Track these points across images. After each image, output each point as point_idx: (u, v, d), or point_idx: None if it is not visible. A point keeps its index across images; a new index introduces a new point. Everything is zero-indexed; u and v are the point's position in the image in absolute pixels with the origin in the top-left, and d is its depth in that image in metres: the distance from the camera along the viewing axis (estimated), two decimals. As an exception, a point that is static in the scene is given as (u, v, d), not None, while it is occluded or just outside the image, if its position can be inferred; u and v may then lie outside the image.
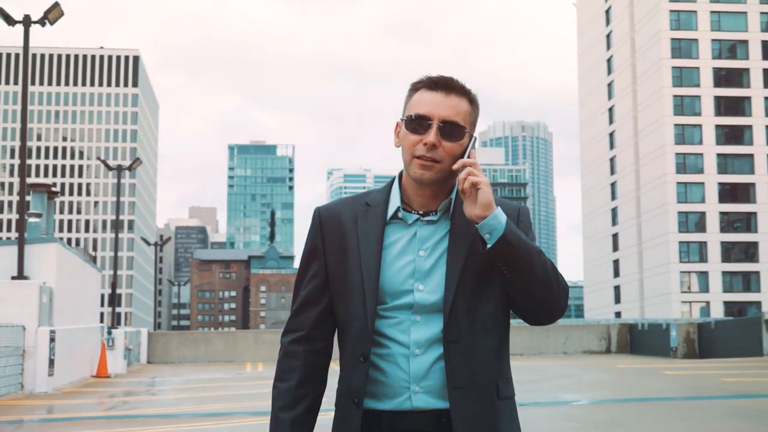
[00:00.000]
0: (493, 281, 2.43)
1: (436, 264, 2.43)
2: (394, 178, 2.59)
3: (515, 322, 30.66)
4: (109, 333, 29.09)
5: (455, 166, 2.35)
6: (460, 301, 2.39)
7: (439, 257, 2.44)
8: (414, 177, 2.44)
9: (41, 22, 23.22)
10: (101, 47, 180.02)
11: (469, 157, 2.39)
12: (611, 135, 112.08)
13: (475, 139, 2.47)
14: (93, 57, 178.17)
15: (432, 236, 2.47)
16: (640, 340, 38.20)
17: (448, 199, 2.49)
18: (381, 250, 2.46)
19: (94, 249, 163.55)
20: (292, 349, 2.55)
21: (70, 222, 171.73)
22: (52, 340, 21.13)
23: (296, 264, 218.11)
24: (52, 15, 23.27)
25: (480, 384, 2.39)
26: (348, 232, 2.52)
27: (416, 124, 2.43)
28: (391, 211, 2.50)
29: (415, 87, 2.50)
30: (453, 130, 2.41)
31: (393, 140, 2.54)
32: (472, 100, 2.50)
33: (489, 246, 2.32)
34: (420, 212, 2.49)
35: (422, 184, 2.45)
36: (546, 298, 2.40)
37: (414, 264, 2.45)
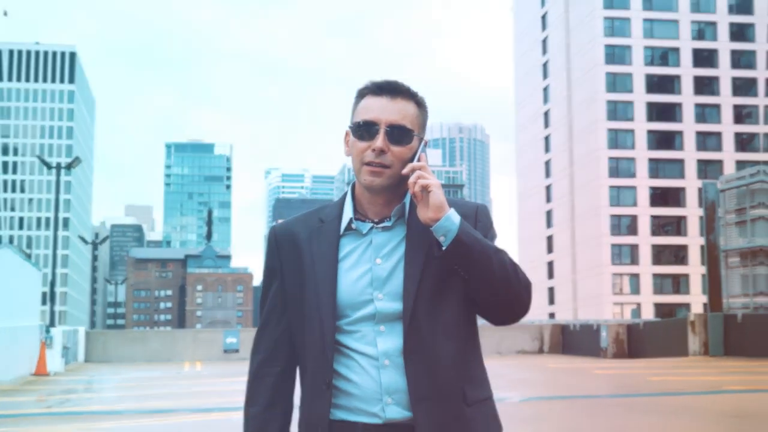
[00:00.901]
0: (454, 284, 2.36)
1: (393, 270, 2.37)
2: (347, 191, 2.51)
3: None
4: (48, 331, 29.05)
5: (405, 171, 2.31)
6: (420, 308, 2.33)
7: (397, 263, 2.37)
8: (364, 184, 2.38)
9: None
10: (37, 42, 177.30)
11: (418, 160, 2.35)
12: (546, 138, 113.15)
13: (426, 142, 2.43)
14: (29, 52, 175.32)
15: (388, 243, 2.40)
16: (572, 340, 38.74)
17: (401, 203, 2.42)
18: (336, 271, 2.40)
19: (29, 247, 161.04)
20: (259, 371, 2.51)
21: (3, 219, 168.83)
22: (-7, 338, 21.21)
23: (233, 263, 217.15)
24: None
25: (444, 393, 2.33)
26: (303, 252, 2.45)
27: (363, 130, 2.38)
28: (344, 224, 2.44)
29: (361, 93, 2.44)
30: (401, 134, 2.36)
31: (343, 149, 2.49)
32: (420, 103, 2.44)
33: (443, 248, 2.28)
34: (375, 220, 2.43)
35: (373, 191, 2.39)
36: (507, 297, 2.34)
37: (371, 273, 2.37)
